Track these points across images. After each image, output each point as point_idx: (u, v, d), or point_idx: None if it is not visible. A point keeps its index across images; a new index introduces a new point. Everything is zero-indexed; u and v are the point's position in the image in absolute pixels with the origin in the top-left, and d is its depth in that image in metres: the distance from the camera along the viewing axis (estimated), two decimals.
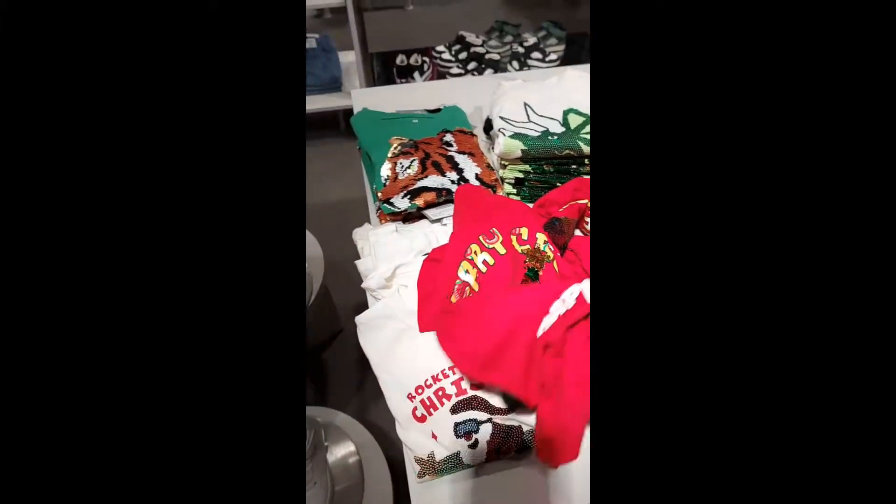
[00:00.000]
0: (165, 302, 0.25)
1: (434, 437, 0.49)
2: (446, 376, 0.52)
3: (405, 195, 0.69)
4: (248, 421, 0.26)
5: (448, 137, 0.80)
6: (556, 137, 0.73)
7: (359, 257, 0.65)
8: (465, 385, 0.51)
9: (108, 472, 0.24)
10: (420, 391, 0.51)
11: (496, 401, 0.51)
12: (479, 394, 0.51)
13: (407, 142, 0.76)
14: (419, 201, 0.68)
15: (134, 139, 0.25)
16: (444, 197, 0.69)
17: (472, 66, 1.91)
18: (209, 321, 0.26)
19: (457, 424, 0.49)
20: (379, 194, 0.70)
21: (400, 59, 1.96)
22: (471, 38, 1.96)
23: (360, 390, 1.35)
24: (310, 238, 1.21)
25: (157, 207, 0.25)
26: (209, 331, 0.26)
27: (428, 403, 0.51)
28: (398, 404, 0.52)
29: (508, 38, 2.00)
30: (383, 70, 2.07)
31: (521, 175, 0.75)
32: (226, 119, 0.26)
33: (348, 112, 1.99)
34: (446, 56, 1.96)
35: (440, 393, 0.51)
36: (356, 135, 0.81)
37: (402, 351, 0.54)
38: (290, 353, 0.27)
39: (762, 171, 0.23)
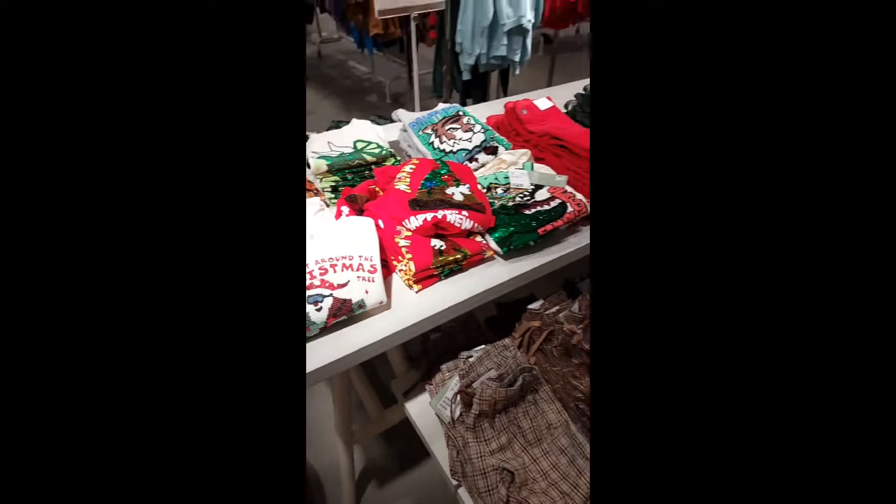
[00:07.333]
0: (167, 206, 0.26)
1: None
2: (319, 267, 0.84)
3: None
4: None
5: None
6: (349, 154, 1.12)
7: None
8: (316, 274, 0.84)
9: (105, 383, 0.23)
10: (311, 275, 0.82)
11: (335, 278, 0.83)
12: (327, 278, 0.83)
13: None
14: None
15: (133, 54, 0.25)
16: None
17: None
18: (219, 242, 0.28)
19: (309, 296, 0.80)
20: None
21: None
22: None
23: None
24: None
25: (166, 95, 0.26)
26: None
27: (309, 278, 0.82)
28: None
29: None
30: None
31: (333, 184, 1.11)
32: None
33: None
34: None
35: (314, 273, 0.83)
36: None
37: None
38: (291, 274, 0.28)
39: (761, 173, 0.22)
